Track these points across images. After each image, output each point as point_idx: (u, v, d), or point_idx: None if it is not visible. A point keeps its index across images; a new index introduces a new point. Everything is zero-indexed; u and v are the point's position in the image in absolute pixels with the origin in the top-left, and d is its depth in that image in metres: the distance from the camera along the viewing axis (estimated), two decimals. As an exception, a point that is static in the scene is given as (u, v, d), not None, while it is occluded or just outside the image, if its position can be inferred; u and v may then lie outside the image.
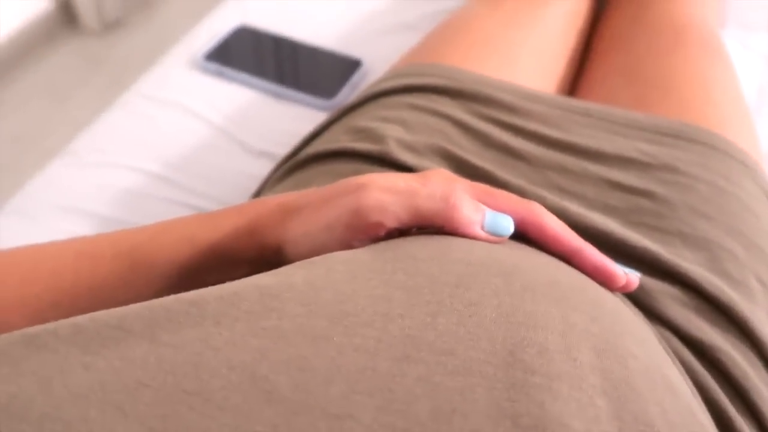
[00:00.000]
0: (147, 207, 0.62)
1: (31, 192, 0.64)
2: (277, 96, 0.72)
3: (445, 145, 0.44)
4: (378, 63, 0.73)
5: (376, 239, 0.28)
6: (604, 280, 0.28)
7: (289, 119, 0.69)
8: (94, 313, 0.21)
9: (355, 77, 0.73)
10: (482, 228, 0.27)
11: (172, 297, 0.22)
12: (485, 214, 0.28)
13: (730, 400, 0.33)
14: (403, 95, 0.50)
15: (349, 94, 0.71)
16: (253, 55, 0.76)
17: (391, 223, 0.27)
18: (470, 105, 0.48)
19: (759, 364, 0.35)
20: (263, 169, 0.63)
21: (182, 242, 0.31)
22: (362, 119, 0.49)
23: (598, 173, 0.43)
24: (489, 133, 0.46)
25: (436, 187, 0.28)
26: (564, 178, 0.43)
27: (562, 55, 0.60)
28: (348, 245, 0.28)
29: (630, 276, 0.29)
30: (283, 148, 0.64)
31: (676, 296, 0.36)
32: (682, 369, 0.32)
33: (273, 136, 0.68)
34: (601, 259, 0.29)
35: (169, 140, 0.68)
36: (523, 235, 0.30)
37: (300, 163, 0.47)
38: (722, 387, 0.33)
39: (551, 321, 0.23)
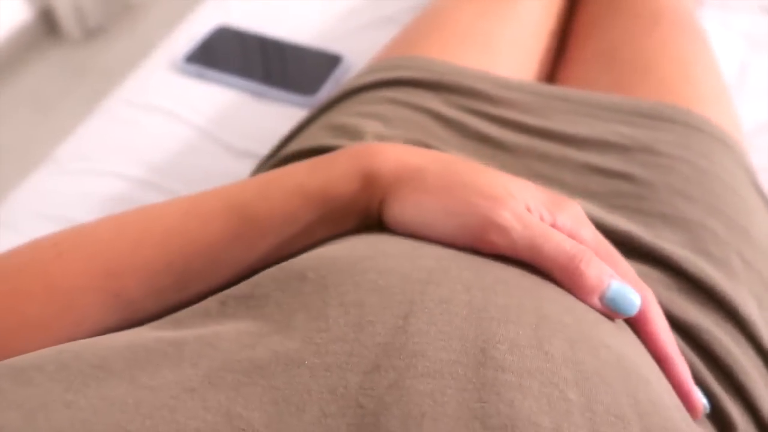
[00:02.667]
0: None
1: (14, 201, 0.63)
2: (259, 95, 0.72)
3: (424, 139, 0.44)
4: (359, 57, 0.73)
5: (477, 252, 0.27)
6: (683, 398, 0.27)
7: (272, 118, 0.69)
8: (80, 349, 0.21)
9: (337, 73, 0.73)
10: (601, 299, 0.26)
11: (153, 337, 0.22)
12: (610, 285, 0.26)
13: (716, 378, 0.33)
14: (381, 90, 0.50)
15: (331, 90, 0.71)
16: (233, 54, 0.76)
17: (504, 249, 0.26)
18: (449, 97, 0.48)
19: (743, 341, 0.35)
20: (247, 168, 0.63)
21: (293, 195, 0.30)
22: (340, 116, 0.48)
23: (578, 159, 0.43)
24: (468, 124, 0.46)
25: (566, 240, 0.26)
26: (544, 165, 0.43)
27: (540, 43, 0.60)
28: (452, 241, 0.27)
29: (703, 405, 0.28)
30: (267, 147, 0.63)
31: (658, 279, 0.36)
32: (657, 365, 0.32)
33: (256, 135, 0.67)
34: (689, 380, 0.27)
35: (152, 144, 0.67)
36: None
37: (279, 162, 0.47)
38: (707, 366, 0.33)
39: (524, 314, 0.23)
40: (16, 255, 0.30)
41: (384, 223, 0.30)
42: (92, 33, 1.64)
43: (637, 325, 0.27)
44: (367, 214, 0.30)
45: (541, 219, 0.28)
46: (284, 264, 0.26)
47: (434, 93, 0.48)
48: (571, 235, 0.27)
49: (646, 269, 0.36)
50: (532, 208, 0.28)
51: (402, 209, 0.28)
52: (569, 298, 0.25)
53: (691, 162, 0.42)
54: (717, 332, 0.34)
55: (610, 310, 0.26)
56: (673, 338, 0.28)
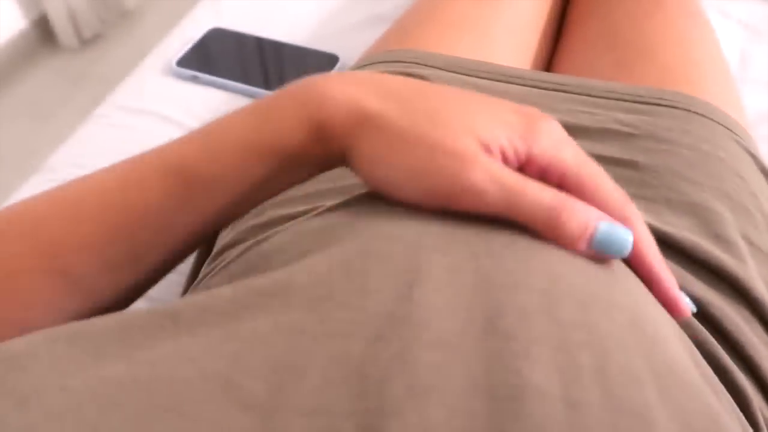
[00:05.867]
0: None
1: (8, 210, 0.63)
2: (254, 97, 0.71)
3: None
4: (355, 57, 0.72)
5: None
6: (673, 311, 0.26)
7: (268, 119, 0.68)
8: (74, 331, 0.20)
9: (333, 73, 0.72)
10: (589, 244, 0.24)
11: (146, 312, 0.21)
12: (597, 228, 0.24)
13: (727, 353, 0.32)
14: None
15: (327, 90, 0.70)
16: (227, 57, 0.75)
17: (481, 210, 0.24)
18: None
19: (753, 319, 0.34)
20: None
21: (242, 153, 0.27)
22: None
23: (581, 148, 0.42)
24: None
25: (544, 192, 0.24)
26: None
27: (537, 28, 0.59)
28: (422, 202, 0.25)
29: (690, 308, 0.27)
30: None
31: (667, 263, 0.35)
32: (678, 326, 0.31)
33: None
34: (678, 293, 0.26)
35: (146, 149, 0.66)
36: None
37: None
38: (718, 341, 0.33)
39: (532, 279, 0.22)
40: None
41: (354, 170, 0.27)
42: (89, 41, 1.64)
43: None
44: (327, 164, 0.28)
45: (516, 152, 0.25)
46: (284, 239, 0.25)
47: None
48: (551, 163, 0.25)
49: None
50: (506, 146, 0.25)
51: (366, 169, 0.26)
52: (581, 258, 0.24)
53: (694, 146, 0.41)
54: (727, 309, 0.34)
55: (602, 254, 0.24)
56: (660, 257, 0.26)
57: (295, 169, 0.28)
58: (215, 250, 0.44)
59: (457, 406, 0.18)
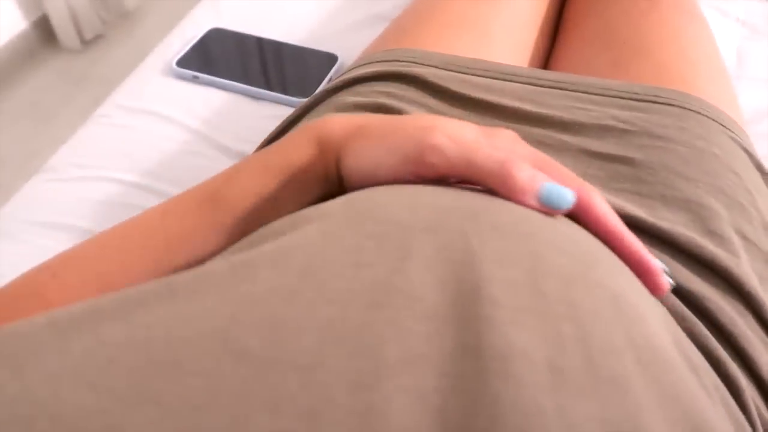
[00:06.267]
0: (128, 217, 0.61)
1: (9, 211, 0.63)
2: (253, 96, 0.71)
3: None
4: (354, 56, 0.73)
5: (427, 181, 0.29)
6: (642, 272, 0.28)
7: (268, 119, 0.69)
8: (71, 305, 0.21)
9: (332, 73, 0.73)
10: (538, 198, 0.27)
11: (143, 284, 0.22)
12: (543, 185, 0.27)
13: (721, 345, 0.33)
14: (376, 83, 0.50)
15: (326, 89, 0.71)
16: (226, 57, 0.75)
17: (443, 168, 0.28)
18: (443, 89, 0.47)
19: (746, 313, 0.35)
20: (243, 170, 0.63)
21: (256, 173, 0.32)
22: (336, 110, 0.48)
23: (577, 144, 0.43)
24: (462, 117, 0.45)
25: (497, 150, 0.28)
26: (544, 152, 0.43)
27: (535, 27, 0.59)
28: (400, 177, 0.29)
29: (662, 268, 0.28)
30: (262, 148, 0.63)
31: (662, 259, 0.36)
32: (666, 312, 0.32)
33: (251, 136, 0.67)
34: (642, 250, 0.28)
35: (148, 149, 0.67)
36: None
37: None
38: (713, 333, 0.33)
39: (519, 257, 0.23)
40: (12, 284, 0.32)
41: (344, 182, 0.32)
42: (90, 42, 1.65)
43: (582, 215, 0.28)
44: (327, 180, 0.32)
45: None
46: (286, 218, 0.27)
47: (429, 87, 0.48)
48: (503, 157, 0.28)
49: (649, 250, 0.36)
50: (467, 135, 0.29)
51: (354, 160, 0.30)
52: (567, 242, 0.25)
53: (689, 143, 0.41)
54: (721, 302, 0.34)
55: (547, 208, 0.27)
56: (619, 220, 0.29)
57: (303, 185, 0.32)
58: None
59: (448, 369, 0.19)
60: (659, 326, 0.24)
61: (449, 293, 0.21)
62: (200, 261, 0.31)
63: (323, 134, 0.32)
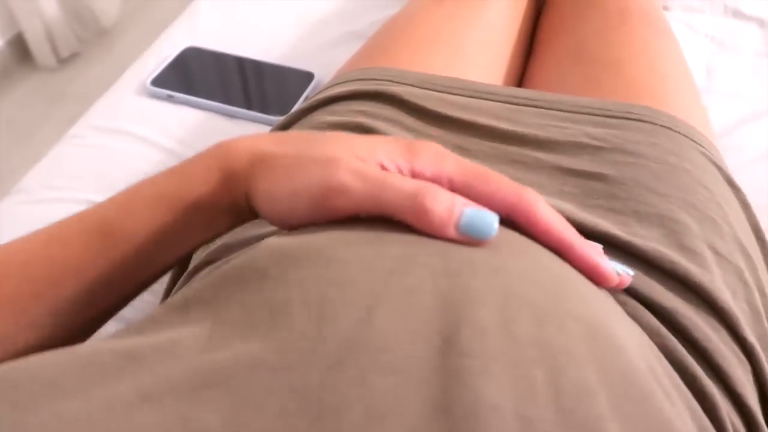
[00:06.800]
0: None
1: (-21, 234, 0.62)
2: (230, 116, 0.71)
3: None
4: (331, 74, 0.73)
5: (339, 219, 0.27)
6: (595, 279, 0.27)
7: (244, 137, 0.68)
8: (29, 366, 0.20)
9: (309, 90, 0.72)
10: (457, 229, 0.25)
11: (108, 348, 0.21)
12: (463, 213, 0.25)
13: (696, 360, 0.33)
14: (352, 102, 0.50)
15: (303, 107, 0.71)
16: (202, 75, 0.75)
17: (351, 210, 0.26)
18: (419, 108, 0.48)
19: (720, 328, 0.35)
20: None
21: (153, 204, 0.29)
22: (312, 129, 0.48)
23: (552, 162, 0.43)
24: (439, 136, 0.45)
25: (409, 181, 0.25)
26: (519, 171, 0.43)
27: (509, 44, 0.60)
28: (311, 217, 0.27)
29: (623, 276, 0.28)
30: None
31: (636, 275, 0.36)
32: (643, 332, 0.32)
33: (228, 155, 0.66)
34: (594, 257, 0.27)
35: (121, 169, 0.66)
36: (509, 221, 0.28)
37: None
38: (687, 349, 0.33)
39: (489, 295, 0.22)
40: None
41: (259, 213, 0.29)
42: (67, 60, 1.63)
43: (527, 225, 0.26)
44: (237, 211, 0.30)
45: (399, 171, 0.27)
46: (245, 264, 0.25)
47: (405, 105, 0.48)
48: (435, 174, 0.26)
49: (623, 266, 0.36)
50: (386, 163, 0.27)
51: (262, 204, 0.28)
52: (539, 271, 0.24)
53: (660, 159, 0.42)
54: (695, 318, 0.34)
55: (470, 239, 0.25)
56: (568, 226, 0.27)
57: (207, 218, 0.29)
58: (188, 269, 0.44)
59: (415, 427, 0.18)
60: (634, 351, 0.24)
61: (418, 343, 0.20)
62: (89, 293, 0.29)
63: (227, 164, 0.29)
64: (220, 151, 0.29)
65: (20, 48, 1.60)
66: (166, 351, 0.20)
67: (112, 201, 0.30)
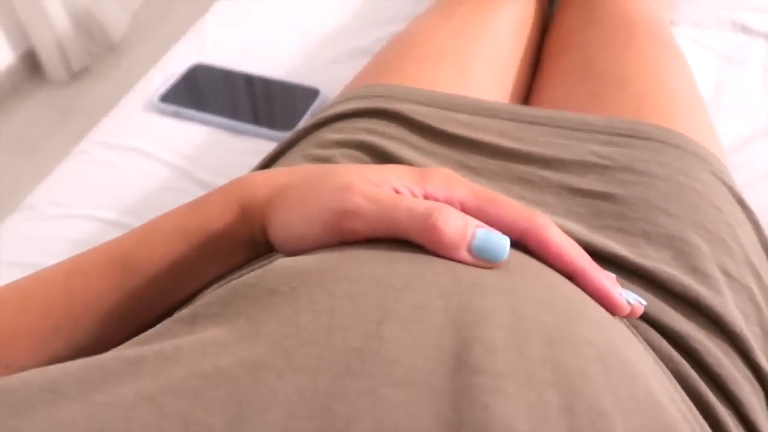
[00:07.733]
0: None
1: (-15, 250, 0.62)
2: (236, 131, 0.71)
3: None
4: (336, 91, 0.73)
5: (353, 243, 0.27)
6: (607, 307, 0.26)
7: (249, 153, 0.68)
8: (29, 374, 0.20)
9: (315, 106, 0.73)
10: (469, 251, 0.25)
11: (111, 355, 0.21)
12: (475, 234, 0.25)
13: (708, 387, 0.32)
14: (358, 119, 0.50)
15: (309, 123, 0.71)
16: (209, 92, 0.75)
17: (365, 233, 0.26)
18: (425, 126, 0.47)
19: (732, 353, 0.34)
20: (225, 206, 0.62)
21: (172, 237, 0.30)
22: (316, 148, 0.48)
23: (559, 181, 0.42)
24: (444, 154, 0.45)
25: (421, 203, 0.25)
26: (525, 189, 0.43)
27: (515, 61, 0.60)
28: (324, 242, 0.27)
29: (635, 306, 0.27)
30: (244, 184, 0.62)
31: (646, 296, 0.35)
32: (656, 358, 0.31)
33: (232, 172, 0.66)
34: (605, 284, 0.26)
35: (128, 186, 0.66)
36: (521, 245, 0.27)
37: None
38: (700, 375, 0.33)
39: (499, 316, 0.22)
40: None
41: (278, 250, 0.30)
42: (77, 74, 1.65)
43: (538, 249, 0.26)
44: (254, 244, 0.30)
45: (412, 194, 0.27)
46: (255, 280, 0.25)
47: (410, 123, 0.48)
48: (447, 198, 0.27)
49: (633, 288, 0.35)
50: (399, 188, 0.27)
51: (276, 232, 0.28)
52: (551, 295, 0.24)
53: (669, 178, 0.41)
54: (706, 342, 0.33)
55: (482, 261, 0.25)
56: (580, 250, 0.27)
57: (226, 252, 0.30)
58: None
59: None
60: (651, 380, 0.23)
61: (428, 358, 0.20)
62: (107, 325, 0.29)
63: (245, 198, 0.30)
64: (238, 185, 0.30)
65: (31, 62, 1.62)
66: (170, 356, 0.20)
67: (132, 234, 0.31)
